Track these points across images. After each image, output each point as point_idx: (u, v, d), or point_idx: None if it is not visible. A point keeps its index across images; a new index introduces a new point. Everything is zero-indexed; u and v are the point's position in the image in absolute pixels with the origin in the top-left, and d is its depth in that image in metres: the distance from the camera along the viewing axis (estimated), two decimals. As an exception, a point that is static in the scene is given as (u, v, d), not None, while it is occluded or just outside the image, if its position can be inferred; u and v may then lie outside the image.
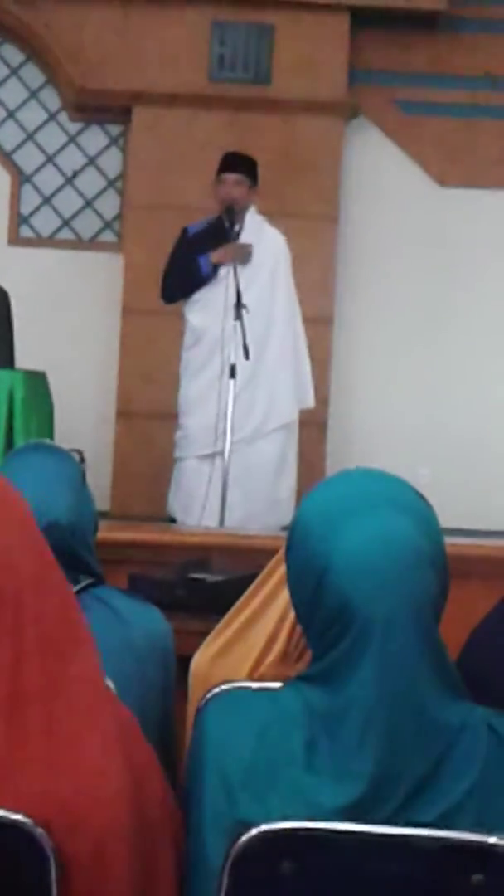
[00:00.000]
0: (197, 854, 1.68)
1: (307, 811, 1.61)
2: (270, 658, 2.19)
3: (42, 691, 1.59)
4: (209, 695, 2.03)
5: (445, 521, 1.90)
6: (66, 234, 8.72)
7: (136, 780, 1.63)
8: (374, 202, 8.58)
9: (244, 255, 6.59)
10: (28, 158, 8.70)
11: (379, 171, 8.61)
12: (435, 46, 8.56)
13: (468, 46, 8.56)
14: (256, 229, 6.77)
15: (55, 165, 8.68)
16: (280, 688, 1.79)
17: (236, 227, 6.63)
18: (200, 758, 1.72)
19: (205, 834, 1.67)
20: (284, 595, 2.00)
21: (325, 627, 1.71)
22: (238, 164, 6.78)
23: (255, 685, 1.95)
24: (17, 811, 1.53)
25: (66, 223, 8.71)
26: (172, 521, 6.77)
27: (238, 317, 6.31)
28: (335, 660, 1.68)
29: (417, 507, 1.78)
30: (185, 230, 6.89)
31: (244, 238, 6.68)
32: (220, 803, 1.67)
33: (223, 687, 2.04)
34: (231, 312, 6.37)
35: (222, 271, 6.56)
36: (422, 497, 1.82)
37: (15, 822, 1.53)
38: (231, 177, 6.70)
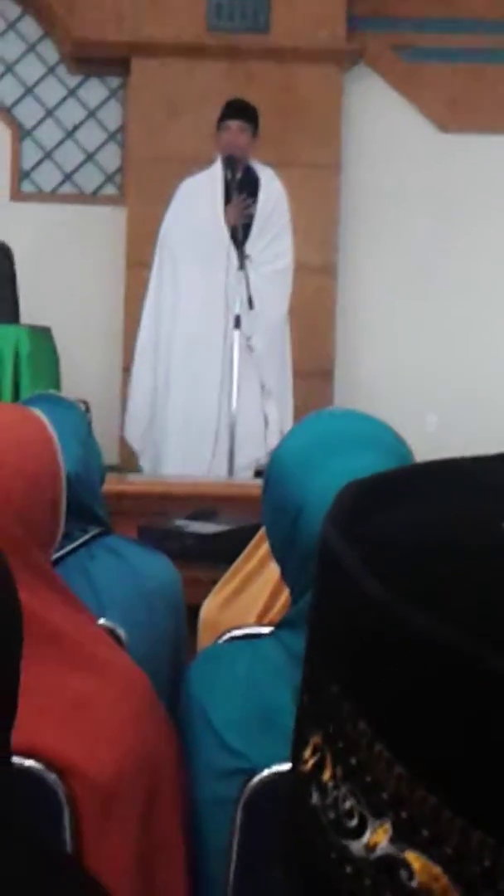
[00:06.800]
0: (192, 799, 1.70)
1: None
2: (278, 605, 2.20)
3: (50, 644, 1.60)
4: (220, 641, 2.04)
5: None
6: (67, 189, 8.68)
7: (148, 736, 1.65)
8: (375, 150, 8.53)
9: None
10: (28, 113, 8.65)
11: (380, 119, 8.56)
12: (434, -9, 8.48)
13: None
14: (257, 178, 6.74)
15: (55, 119, 8.64)
16: (260, 638, 1.81)
17: (237, 176, 6.59)
18: (188, 713, 1.74)
19: (199, 780, 1.70)
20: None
21: (301, 566, 1.72)
22: (242, 111, 6.71)
23: (264, 630, 1.96)
24: (30, 756, 1.54)
25: (67, 177, 8.67)
26: None
27: (241, 267, 6.29)
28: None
29: (393, 447, 1.79)
30: None
31: (243, 187, 6.64)
32: (211, 752, 1.68)
33: (233, 633, 2.05)
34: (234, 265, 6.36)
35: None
36: (400, 438, 1.83)
37: (28, 768, 1.54)
38: (235, 123, 6.62)
